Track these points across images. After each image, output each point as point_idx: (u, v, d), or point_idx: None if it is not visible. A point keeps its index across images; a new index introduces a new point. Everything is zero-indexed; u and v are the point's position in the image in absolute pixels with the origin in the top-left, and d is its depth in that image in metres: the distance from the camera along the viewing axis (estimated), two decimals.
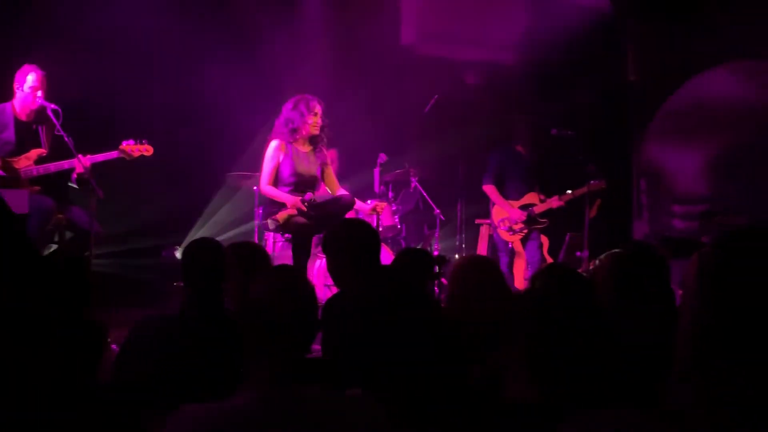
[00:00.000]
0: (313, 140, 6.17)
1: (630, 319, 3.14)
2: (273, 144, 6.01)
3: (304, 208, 5.83)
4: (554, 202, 7.47)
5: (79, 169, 5.53)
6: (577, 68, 9.38)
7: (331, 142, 8.09)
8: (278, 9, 8.39)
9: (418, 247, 7.91)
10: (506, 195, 7.53)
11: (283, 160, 6.06)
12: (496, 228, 7.63)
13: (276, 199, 6.00)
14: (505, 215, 7.50)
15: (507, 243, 7.59)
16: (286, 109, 6.09)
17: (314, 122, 6.08)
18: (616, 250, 3.92)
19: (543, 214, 7.49)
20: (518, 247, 7.66)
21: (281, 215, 5.84)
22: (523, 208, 7.50)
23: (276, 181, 6.11)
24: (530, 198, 7.54)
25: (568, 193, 7.50)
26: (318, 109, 6.08)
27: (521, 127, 7.67)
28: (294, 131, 6.03)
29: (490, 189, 7.55)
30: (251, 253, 3.71)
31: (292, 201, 5.89)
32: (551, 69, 9.76)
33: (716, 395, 1.25)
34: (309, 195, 6.16)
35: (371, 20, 8.78)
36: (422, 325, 3.13)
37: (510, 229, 7.49)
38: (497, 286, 3.69)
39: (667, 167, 9.23)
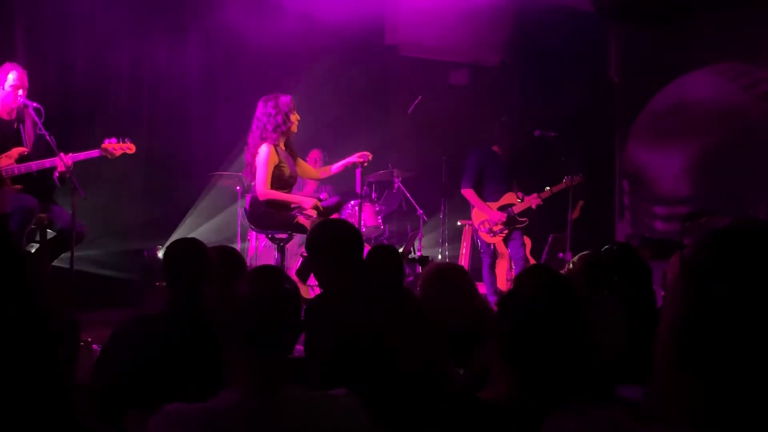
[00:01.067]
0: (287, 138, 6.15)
1: (602, 316, 3.16)
2: (265, 148, 5.89)
3: (322, 209, 5.83)
4: (533, 201, 7.48)
5: (61, 168, 5.48)
6: (561, 69, 9.41)
7: (315, 143, 8.11)
8: (261, 9, 8.37)
9: (400, 248, 7.91)
10: (485, 196, 7.55)
11: (278, 162, 6.01)
12: (477, 230, 7.64)
13: (289, 202, 5.91)
14: (485, 218, 7.51)
15: (489, 245, 7.61)
16: (266, 111, 5.98)
17: (295, 122, 6.05)
18: (586, 252, 3.96)
19: (522, 213, 7.50)
20: (501, 247, 7.68)
21: (311, 213, 5.79)
22: (502, 209, 7.51)
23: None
24: (509, 198, 7.56)
25: (547, 190, 7.52)
26: (294, 107, 6.05)
27: (497, 127, 7.67)
28: (283, 134, 5.99)
29: (468, 193, 7.56)
30: (230, 256, 3.69)
31: (310, 203, 5.86)
32: (535, 70, 9.80)
33: (699, 395, 1.26)
34: (324, 194, 6.16)
35: (355, 20, 8.77)
36: (405, 324, 3.13)
37: (490, 231, 7.51)
38: (463, 295, 3.70)
39: (650, 168, 9.27)
